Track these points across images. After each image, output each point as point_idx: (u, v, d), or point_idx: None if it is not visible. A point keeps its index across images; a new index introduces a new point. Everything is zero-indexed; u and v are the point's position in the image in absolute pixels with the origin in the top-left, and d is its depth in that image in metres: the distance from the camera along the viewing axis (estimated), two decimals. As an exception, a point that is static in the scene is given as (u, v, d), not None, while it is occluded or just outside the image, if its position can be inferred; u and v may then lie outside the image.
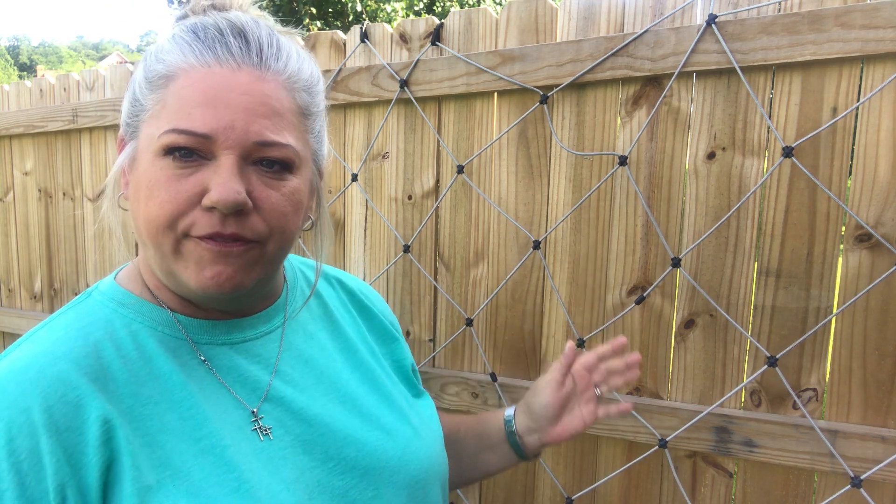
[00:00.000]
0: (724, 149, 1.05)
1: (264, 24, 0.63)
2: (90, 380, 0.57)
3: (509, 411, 0.88)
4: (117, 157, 0.64)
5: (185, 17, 0.64)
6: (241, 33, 0.59)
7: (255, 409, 0.64)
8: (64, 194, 1.90)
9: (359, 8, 10.32)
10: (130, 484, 0.54)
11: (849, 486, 0.99)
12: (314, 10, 10.41)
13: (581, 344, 1.18)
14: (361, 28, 1.34)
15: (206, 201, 0.56)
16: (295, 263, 0.82)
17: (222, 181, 0.56)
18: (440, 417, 0.93)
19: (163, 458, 0.56)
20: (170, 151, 0.57)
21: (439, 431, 0.79)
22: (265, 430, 0.63)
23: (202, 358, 0.64)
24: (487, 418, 0.91)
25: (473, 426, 0.92)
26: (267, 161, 0.59)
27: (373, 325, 0.84)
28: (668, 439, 1.10)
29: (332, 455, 0.65)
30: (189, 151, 0.57)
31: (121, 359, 0.60)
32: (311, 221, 0.70)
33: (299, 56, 0.63)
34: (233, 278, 0.59)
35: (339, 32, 1.39)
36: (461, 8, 5.44)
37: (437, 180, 1.31)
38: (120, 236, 0.66)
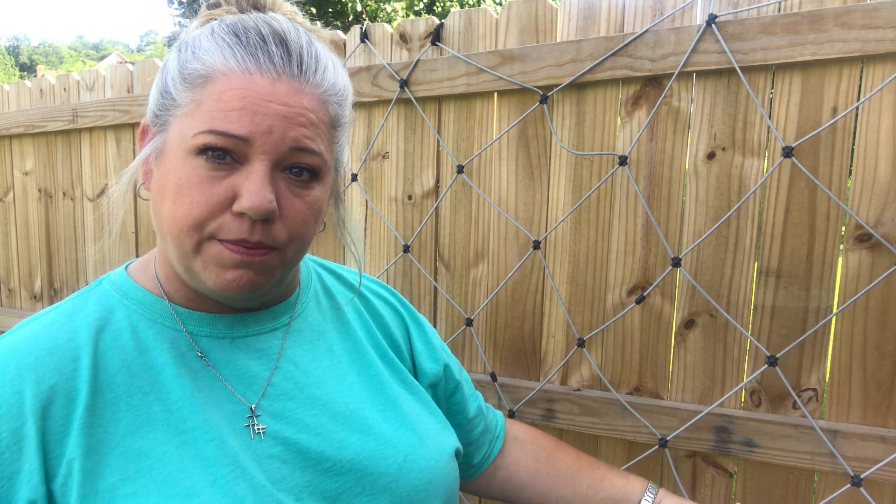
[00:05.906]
0: (724, 149, 1.05)
1: (303, 30, 0.62)
2: (85, 368, 0.59)
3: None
4: (139, 145, 0.64)
5: (217, 5, 0.63)
6: (282, 41, 0.59)
7: (252, 406, 0.64)
8: (64, 194, 1.90)
9: (359, 8, 10.33)
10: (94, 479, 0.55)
11: (849, 485, 0.99)
12: (314, 10, 10.41)
13: (581, 344, 1.18)
14: (361, 28, 1.34)
15: (238, 207, 0.57)
16: (310, 264, 0.81)
17: (254, 189, 0.56)
18: (538, 437, 0.92)
19: (143, 449, 0.57)
20: (204, 151, 0.57)
21: (450, 443, 0.76)
22: (258, 428, 0.63)
23: (199, 351, 0.64)
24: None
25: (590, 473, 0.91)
26: (297, 168, 0.59)
27: (385, 329, 0.81)
28: (668, 439, 1.10)
29: (327, 456, 0.64)
30: (223, 153, 0.57)
31: (116, 349, 0.61)
32: (324, 225, 0.70)
33: (335, 67, 0.64)
34: (252, 281, 0.60)
35: (339, 32, 1.39)
36: (461, 8, 5.43)
37: (437, 180, 1.31)
38: (116, 230, 0.66)
